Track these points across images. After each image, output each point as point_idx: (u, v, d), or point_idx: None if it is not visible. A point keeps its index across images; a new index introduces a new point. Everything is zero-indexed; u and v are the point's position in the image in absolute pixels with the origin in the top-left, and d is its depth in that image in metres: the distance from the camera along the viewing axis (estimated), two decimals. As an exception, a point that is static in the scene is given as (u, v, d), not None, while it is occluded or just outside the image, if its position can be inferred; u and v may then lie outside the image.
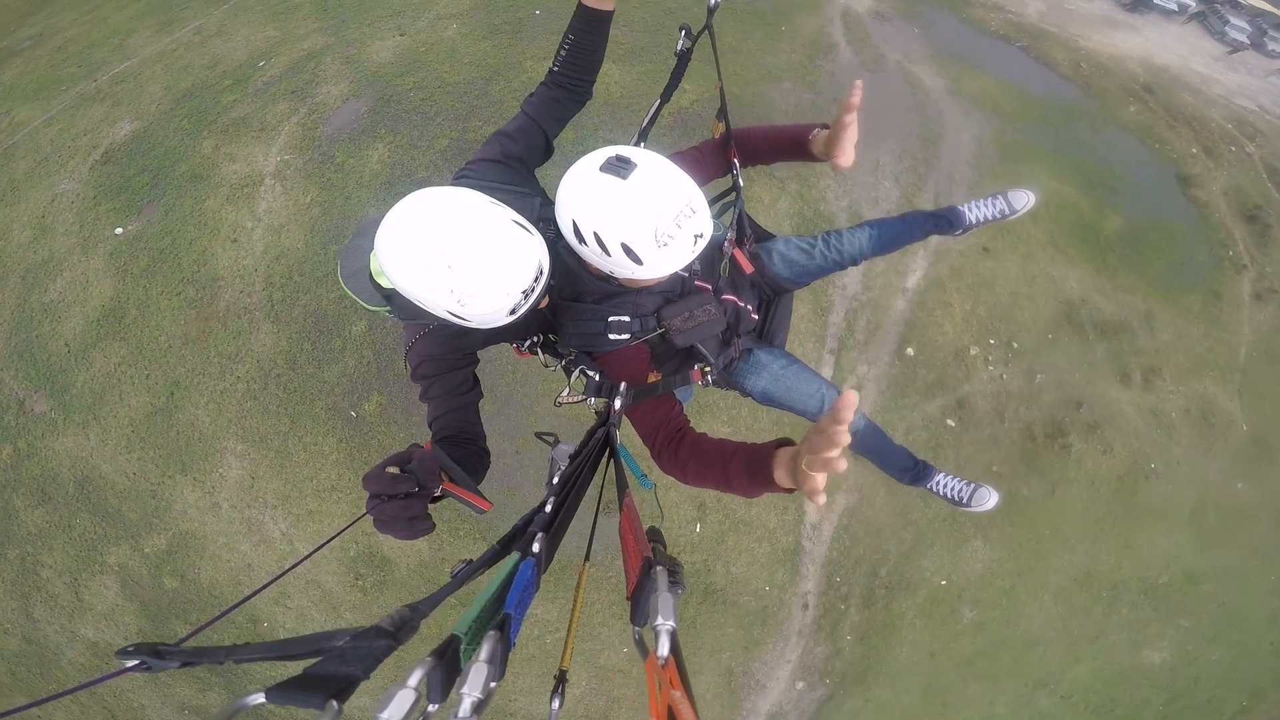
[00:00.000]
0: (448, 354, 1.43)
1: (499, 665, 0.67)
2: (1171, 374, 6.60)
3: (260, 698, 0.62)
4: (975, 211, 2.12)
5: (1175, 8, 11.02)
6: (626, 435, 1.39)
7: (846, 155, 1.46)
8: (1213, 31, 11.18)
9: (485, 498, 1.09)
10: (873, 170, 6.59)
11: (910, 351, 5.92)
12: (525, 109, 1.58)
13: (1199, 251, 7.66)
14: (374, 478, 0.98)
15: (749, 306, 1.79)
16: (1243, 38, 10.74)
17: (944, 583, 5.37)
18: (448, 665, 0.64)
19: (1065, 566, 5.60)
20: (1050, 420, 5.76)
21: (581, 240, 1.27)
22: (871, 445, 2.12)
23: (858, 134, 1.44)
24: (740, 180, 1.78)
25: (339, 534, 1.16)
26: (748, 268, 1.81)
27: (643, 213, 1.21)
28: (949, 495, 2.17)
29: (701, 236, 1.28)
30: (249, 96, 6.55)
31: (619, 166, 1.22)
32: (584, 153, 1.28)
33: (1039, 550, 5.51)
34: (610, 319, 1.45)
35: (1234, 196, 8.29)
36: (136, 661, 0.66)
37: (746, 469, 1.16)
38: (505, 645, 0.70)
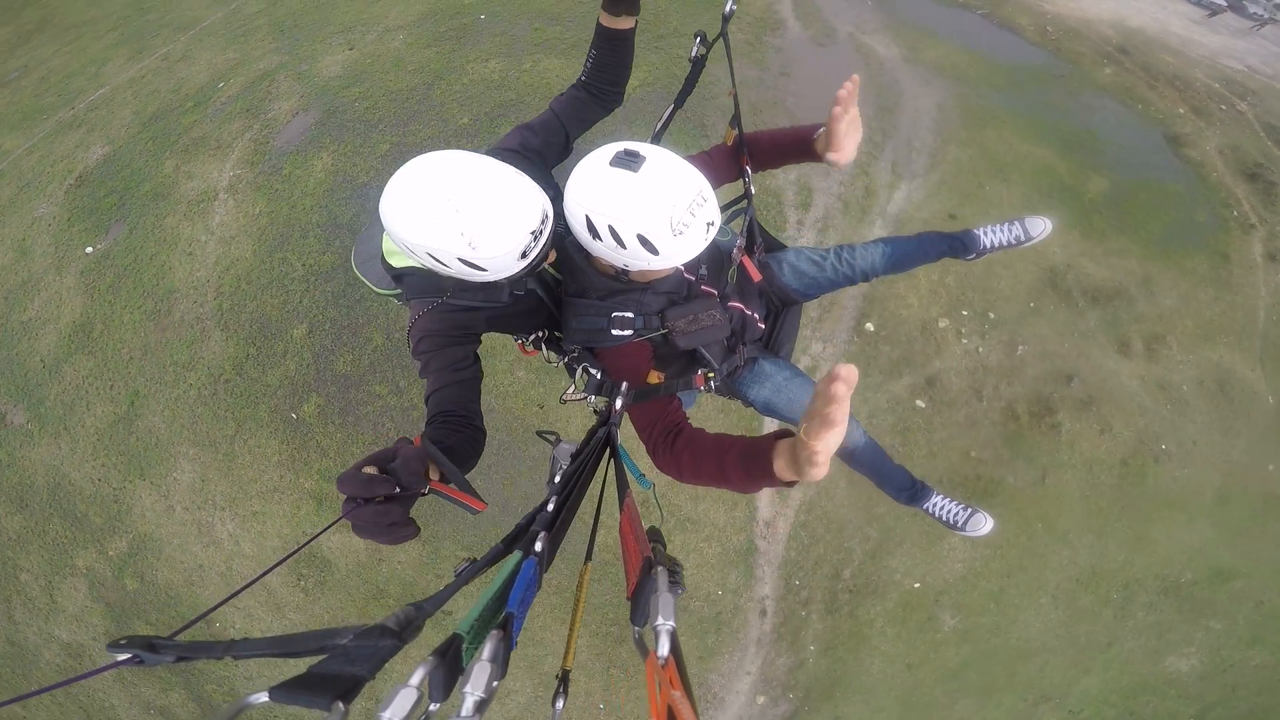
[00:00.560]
0: (449, 329, 1.26)
1: (501, 664, 0.59)
2: (1179, 341, 5.21)
3: (264, 697, 0.51)
4: (990, 236, 1.96)
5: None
6: (626, 437, 1.20)
7: (841, 151, 1.31)
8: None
9: (479, 497, 0.87)
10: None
11: (870, 326, 4.77)
12: (552, 106, 1.47)
13: (1199, 212, 6.22)
14: (349, 479, 0.79)
15: (756, 315, 1.63)
16: (1221, 0, 9.14)
17: (917, 586, 4.16)
18: (450, 664, 0.57)
19: (1065, 565, 4.29)
20: (1035, 397, 4.50)
21: (596, 235, 1.16)
22: (870, 463, 1.93)
23: (860, 130, 1.30)
24: (752, 188, 1.60)
25: (314, 538, 0.89)
26: (756, 276, 1.63)
27: (658, 203, 1.10)
28: (944, 518, 2.00)
29: (713, 225, 1.18)
30: (208, 117, 6.05)
31: (629, 160, 1.11)
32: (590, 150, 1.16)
33: (1030, 547, 4.22)
34: (614, 315, 1.31)
35: (1231, 155, 6.80)
36: (129, 655, 0.56)
37: (743, 460, 1.00)
38: (508, 644, 0.62)
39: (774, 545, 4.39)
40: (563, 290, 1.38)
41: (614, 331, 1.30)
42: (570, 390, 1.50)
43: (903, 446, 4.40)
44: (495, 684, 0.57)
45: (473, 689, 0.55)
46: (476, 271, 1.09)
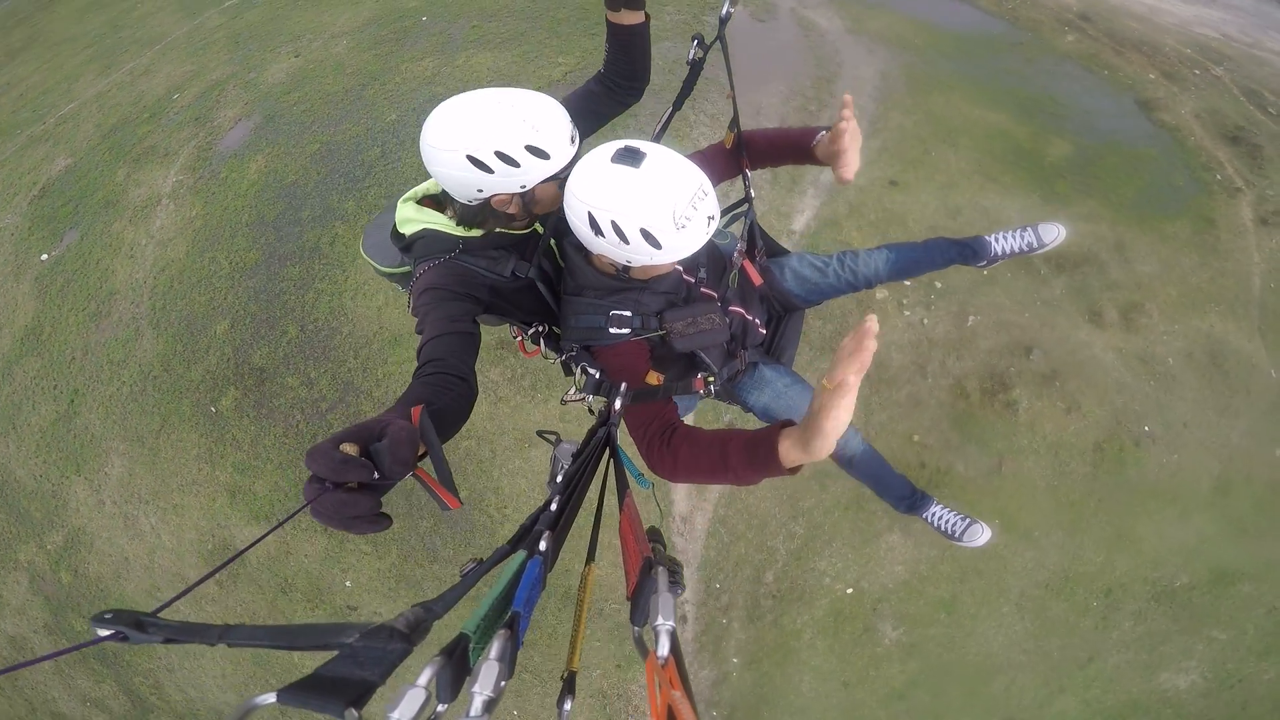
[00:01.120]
0: (454, 284, 1.11)
1: (509, 663, 0.53)
2: (1161, 310, 4.13)
3: (271, 698, 0.43)
4: (1002, 243, 1.78)
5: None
6: (625, 438, 1.09)
7: (848, 167, 1.15)
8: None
9: (457, 495, 0.71)
10: (754, 115, 4.66)
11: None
12: (566, 96, 1.29)
13: (1177, 176, 5.10)
14: (319, 456, 0.59)
15: (756, 320, 1.46)
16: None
17: (849, 591, 3.19)
18: (457, 664, 0.50)
19: (1030, 568, 3.26)
20: (988, 372, 3.50)
21: (598, 231, 1.05)
22: (870, 471, 1.71)
23: (859, 140, 1.14)
24: (751, 191, 1.47)
25: (280, 525, 0.67)
26: (757, 280, 1.49)
27: (660, 197, 1.01)
28: (943, 528, 1.87)
29: (714, 219, 1.08)
30: (160, 127, 5.61)
31: (630, 156, 1.02)
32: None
33: (987, 547, 3.20)
34: (612, 313, 1.18)
35: (1209, 119, 5.63)
36: (111, 632, 0.49)
37: (748, 447, 0.88)
38: (515, 643, 0.56)
39: (692, 543, 3.49)
40: (562, 288, 1.28)
41: (611, 330, 1.19)
42: (571, 391, 1.36)
43: (835, 432, 3.45)
44: (503, 683, 0.51)
45: (481, 688, 0.49)
46: (542, 161, 1.04)
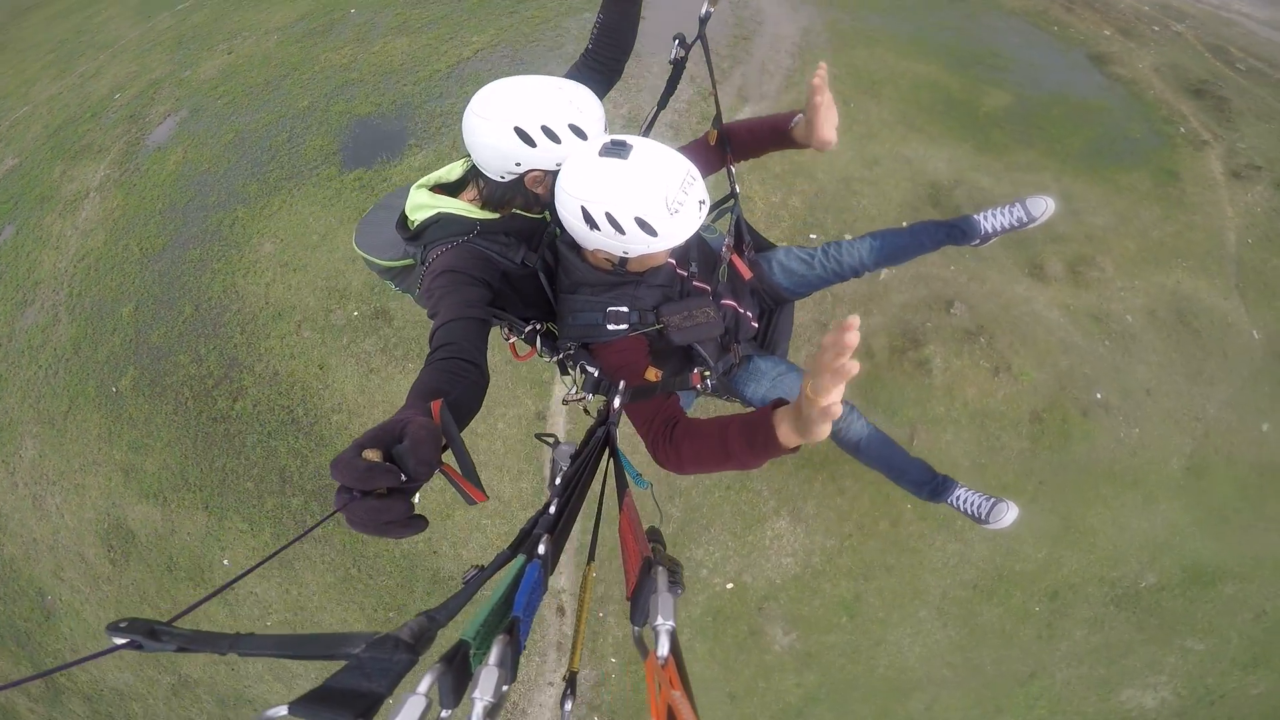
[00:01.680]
0: (470, 268, 1.01)
1: (510, 668, 0.48)
2: (1116, 265, 3.23)
3: (282, 710, 0.41)
4: (990, 220, 1.60)
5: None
6: (623, 436, 0.96)
7: (825, 139, 1.08)
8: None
9: (482, 488, 0.65)
10: (661, 75, 3.87)
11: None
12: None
13: (1133, 128, 4.18)
14: (344, 467, 0.54)
15: (749, 314, 1.35)
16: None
17: (730, 586, 2.38)
18: (458, 670, 0.46)
19: (952, 564, 2.40)
20: (900, 329, 2.66)
21: (593, 225, 0.96)
22: (880, 455, 1.49)
23: (835, 111, 1.06)
24: (737, 187, 1.36)
25: (311, 530, 0.62)
26: (746, 274, 1.35)
27: (651, 184, 0.93)
28: (969, 511, 1.59)
29: (704, 202, 0.99)
30: (99, 125, 5.18)
31: (617, 148, 0.94)
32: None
33: (895, 537, 2.37)
34: (609, 309, 1.08)
35: (1170, 73, 4.67)
36: (126, 640, 0.44)
37: (746, 433, 0.80)
38: (515, 648, 0.50)
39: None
40: (557, 288, 1.15)
41: (609, 326, 1.07)
42: (571, 391, 1.20)
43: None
44: (505, 689, 0.46)
45: (481, 694, 0.45)
46: (580, 141, 1.00)
